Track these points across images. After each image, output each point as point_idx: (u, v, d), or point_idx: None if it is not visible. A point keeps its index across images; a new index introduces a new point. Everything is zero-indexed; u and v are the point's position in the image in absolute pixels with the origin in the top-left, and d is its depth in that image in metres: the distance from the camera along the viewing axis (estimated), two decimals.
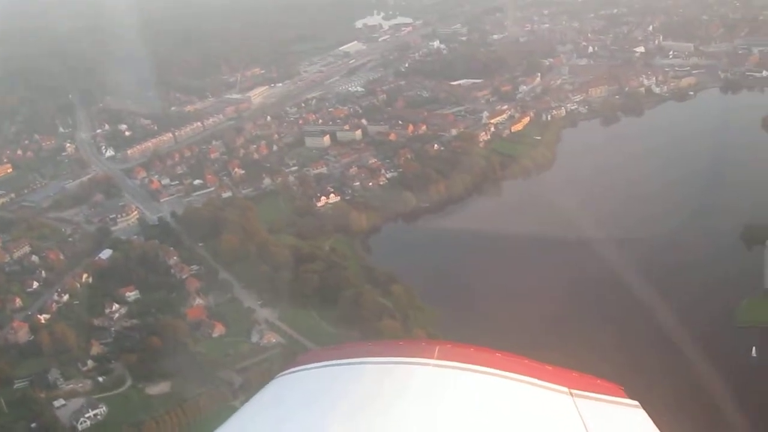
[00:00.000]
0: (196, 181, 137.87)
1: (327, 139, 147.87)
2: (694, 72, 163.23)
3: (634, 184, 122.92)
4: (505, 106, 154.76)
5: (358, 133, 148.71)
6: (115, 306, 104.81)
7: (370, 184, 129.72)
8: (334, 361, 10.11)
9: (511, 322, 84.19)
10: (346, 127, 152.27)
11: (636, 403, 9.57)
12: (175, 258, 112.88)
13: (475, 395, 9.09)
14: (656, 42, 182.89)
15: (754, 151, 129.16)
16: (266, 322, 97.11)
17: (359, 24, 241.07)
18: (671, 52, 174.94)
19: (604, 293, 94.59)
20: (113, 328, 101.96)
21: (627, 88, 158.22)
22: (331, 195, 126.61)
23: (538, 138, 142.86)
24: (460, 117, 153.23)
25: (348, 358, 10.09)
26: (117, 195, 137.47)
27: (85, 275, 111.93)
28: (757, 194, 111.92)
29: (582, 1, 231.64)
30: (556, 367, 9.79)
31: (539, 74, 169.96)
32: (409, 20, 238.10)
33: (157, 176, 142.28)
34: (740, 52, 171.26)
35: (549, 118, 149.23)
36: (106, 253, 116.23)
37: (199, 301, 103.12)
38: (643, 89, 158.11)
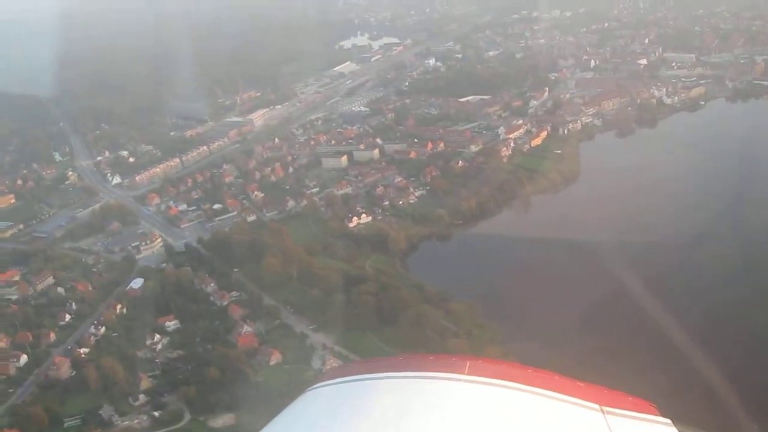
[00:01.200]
0: (216, 206, 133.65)
1: (344, 159, 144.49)
2: (701, 82, 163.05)
3: (667, 193, 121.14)
4: (520, 121, 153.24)
5: (376, 152, 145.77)
6: (157, 337, 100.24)
7: (401, 202, 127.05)
8: (364, 376, 10.08)
9: (573, 338, 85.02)
10: (362, 146, 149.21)
11: (668, 420, 9.38)
12: (212, 285, 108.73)
13: (506, 411, 9.07)
14: (657, 54, 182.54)
15: None
16: (324, 348, 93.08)
17: (347, 44, 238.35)
18: (674, 64, 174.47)
19: (659, 302, 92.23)
20: (158, 360, 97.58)
21: (639, 100, 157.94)
22: (363, 215, 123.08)
23: (559, 152, 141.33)
24: (476, 133, 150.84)
25: (378, 372, 10.05)
26: (133, 223, 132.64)
27: (119, 306, 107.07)
28: None
29: (570, 16, 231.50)
30: (587, 383, 9.72)
31: (547, 89, 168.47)
32: (395, 40, 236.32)
33: (172, 202, 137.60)
34: (742, 61, 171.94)
35: (566, 132, 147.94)
36: (137, 283, 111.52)
37: (246, 328, 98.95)
38: (654, 100, 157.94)
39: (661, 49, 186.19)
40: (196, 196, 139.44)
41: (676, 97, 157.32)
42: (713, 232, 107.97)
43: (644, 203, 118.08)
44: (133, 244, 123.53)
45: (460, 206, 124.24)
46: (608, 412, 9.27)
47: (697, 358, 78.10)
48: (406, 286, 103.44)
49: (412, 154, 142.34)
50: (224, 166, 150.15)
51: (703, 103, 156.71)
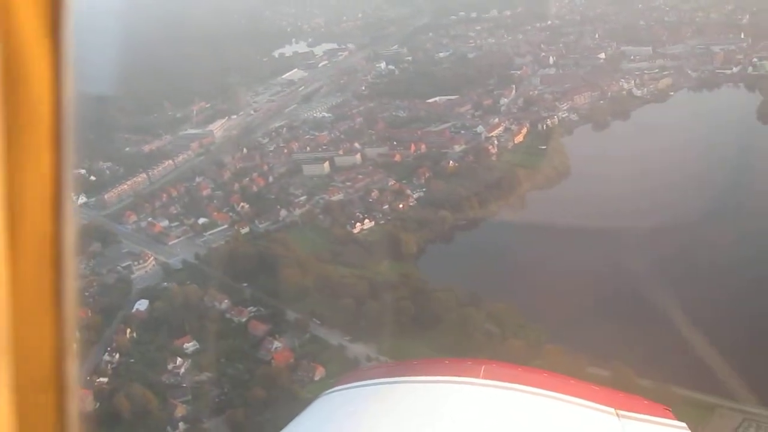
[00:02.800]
0: (201, 220, 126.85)
1: (326, 165, 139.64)
2: (664, 73, 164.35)
3: (664, 179, 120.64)
4: (496, 119, 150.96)
5: (358, 157, 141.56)
6: (179, 360, 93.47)
7: (400, 206, 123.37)
8: (380, 380, 10.12)
9: (615, 336, 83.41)
10: (341, 152, 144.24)
11: (683, 424, 9.41)
12: (226, 301, 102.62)
13: (522, 415, 9.05)
14: (612, 48, 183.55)
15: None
16: (369, 359, 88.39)
17: (287, 52, 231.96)
18: (633, 57, 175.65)
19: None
20: (185, 384, 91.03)
21: (609, 93, 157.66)
22: (365, 220, 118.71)
23: (543, 147, 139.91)
24: (454, 133, 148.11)
25: (394, 376, 10.11)
26: (115, 242, 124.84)
27: (128, 330, 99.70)
28: None
29: (510, 15, 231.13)
30: (602, 387, 10.02)
31: (513, 86, 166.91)
32: (335, 45, 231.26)
33: (151, 218, 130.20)
34: (698, 52, 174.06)
35: (544, 127, 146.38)
36: (142, 304, 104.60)
37: (277, 344, 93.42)
38: (624, 93, 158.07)
39: (615, 43, 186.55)
40: (175, 211, 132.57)
41: (645, 89, 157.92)
42: (722, 212, 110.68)
43: (645, 189, 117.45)
44: (122, 265, 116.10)
45: (462, 206, 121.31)
46: (623, 416, 9.19)
47: None
48: (437, 290, 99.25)
49: (397, 157, 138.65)
50: (197, 179, 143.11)
51: (672, 93, 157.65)
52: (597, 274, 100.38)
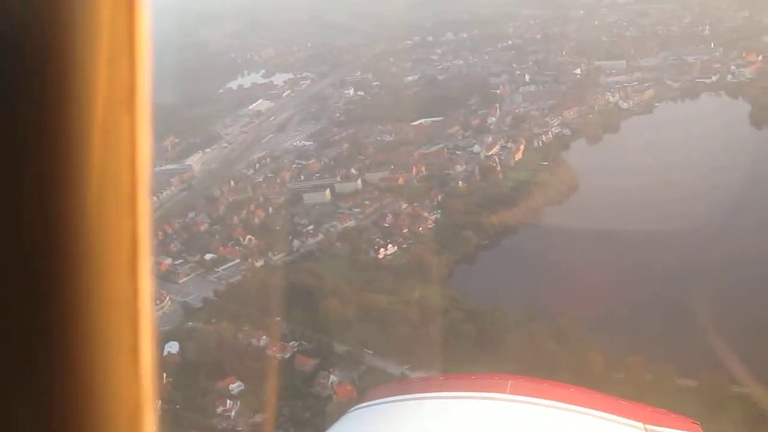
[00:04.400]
0: (208, 256, 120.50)
1: (328, 193, 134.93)
2: (645, 85, 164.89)
3: (669, 185, 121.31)
4: (489, 138, 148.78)
5: (359, 182, 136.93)
6: (228, 403, 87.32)
7: (420, 229, 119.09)
8: (406, 396, 10.14)
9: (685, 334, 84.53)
10: (338, 178, 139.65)
11: None
12: (264, 337, 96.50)
13: (549, 430, 9.13)
14: (585, 64, 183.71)
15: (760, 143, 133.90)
16: None
17: (246, 83, 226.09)
18: (610, 71, 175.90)
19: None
20: (240, 428, 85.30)
21: (596, 107, 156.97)
22: (388, 245, 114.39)
23: (546, 163, 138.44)
24: (451, 154, 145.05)
25: (420, 392, 10.33)
26: None
27: (164, 375, 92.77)
28: None
29: (467, 37, 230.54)
30: (630, 401, 10.15)
31: (497, 105, 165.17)
32: (291, 75, 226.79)
33: (151, 257, 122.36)
34: (671, 63, 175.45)
35: (540, 143, 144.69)
36: (173, 347, 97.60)
37: (333, 378, 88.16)
38: (611, 106, 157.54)
39: (585, 59, 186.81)
40: (175, 249, 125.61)
41: (631, 101, 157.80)
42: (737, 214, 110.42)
43: (660, 197, 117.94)
44: None
45: (482, 225, 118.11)
46: (651, 431, 9.08)
47: None
48: (489, 311, 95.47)
49: (401, 180, 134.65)
50: (190, 215, 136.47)
51: (657, 104, 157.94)
52: (637, 278, 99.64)
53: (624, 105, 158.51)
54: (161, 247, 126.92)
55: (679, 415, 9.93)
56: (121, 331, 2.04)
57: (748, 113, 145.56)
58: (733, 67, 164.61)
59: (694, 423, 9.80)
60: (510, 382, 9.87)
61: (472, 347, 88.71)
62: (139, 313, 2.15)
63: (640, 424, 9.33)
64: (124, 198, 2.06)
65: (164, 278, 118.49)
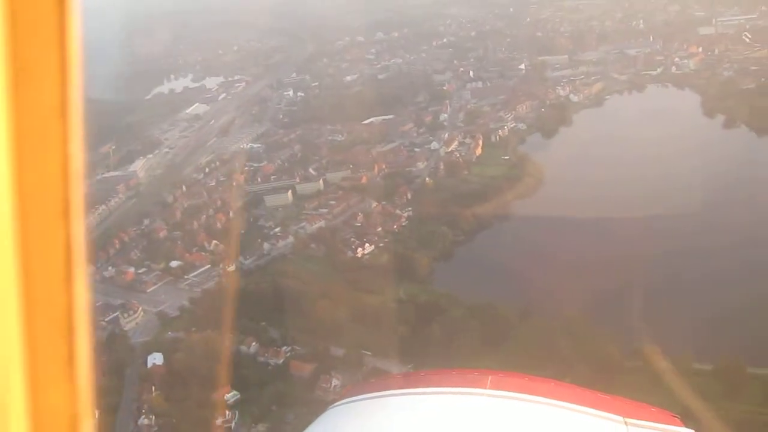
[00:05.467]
0: (174, 263, 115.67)
1: (290, 194, 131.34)
2: (592, 78, 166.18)
3: (635, 174, 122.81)
4: (445, 135, 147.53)
5: (320, 183, 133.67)
6: (227, 413, 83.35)
7: (395, 227, 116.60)
8: (387, 392, 10.36)
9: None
10: (297, 179, 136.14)
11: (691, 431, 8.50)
12: (254, 344, 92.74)
13: (530, 424, 9.18)
14: (528, 59, 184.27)
15: (713, 131, 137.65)
16: None
17: (177, 88, 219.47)
18: (555, 65, 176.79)
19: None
20: None
21: (548, 101, 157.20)
22: (365, 245, 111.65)
23: (507, 157, 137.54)
24: (410, 151, 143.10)
25: (400, 388, 10.30)
26: None
27: (152, 388, 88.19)
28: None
29: (398, 37, 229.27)
30: (610, 395, 9.83)
31: (447, 101, 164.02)
32: (221, 78, 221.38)
33: (112, 267, 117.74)
34: (613, 57, 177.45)
35: (497, 138, 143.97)
36: (157, 358, 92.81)
37: (335, 382, 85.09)
38: (562, 99, 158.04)
39: (525, 54, 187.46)
40: (137, 257, 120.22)
41: (581, 95, 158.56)
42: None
43: (629, 185, 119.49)
44: (105, 319, 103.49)
45: (456, 221, 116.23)
46: (632, 424, 9.08)
47: None
48: (485, 307, 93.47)
49: (364, 179, 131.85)
50: (145, 222, 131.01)
51: (607, 97, 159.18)
52: (626, 266, 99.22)
53: (575, 98, 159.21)
54: (121, 256, 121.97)
55: (659, 408, 9.77)
56: (55, 340, 2.08)
57: (699, 103, 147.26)
58: (676, 59, 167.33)
59: (673, 416, 9.73)
60: (490, 377, 9.70)
61: (477, 344, 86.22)
62: (74, 323, 2.19)
63: (620, 418, 9.25)
64: (57, 207, 2.06)
65: (131, 288, 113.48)
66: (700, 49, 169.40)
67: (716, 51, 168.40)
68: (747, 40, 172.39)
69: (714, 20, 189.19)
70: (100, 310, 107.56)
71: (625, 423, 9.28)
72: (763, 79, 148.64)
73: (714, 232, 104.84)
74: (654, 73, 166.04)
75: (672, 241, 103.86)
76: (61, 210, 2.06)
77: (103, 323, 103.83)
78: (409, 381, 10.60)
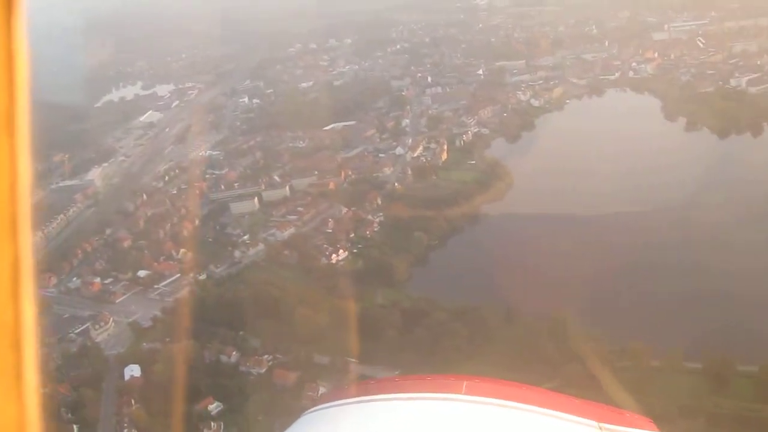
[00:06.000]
0: (141, 273, 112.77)
1: (256, 201, 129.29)
2: (551, 83, 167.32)
3: (602, 175, 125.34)
4: (409, 140, 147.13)
5: (286, 189, 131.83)
6: (213, 425, 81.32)
7: (367, 232, 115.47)
8: (362, 398, 9.90)
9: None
10: (263, 186, 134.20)
11: None
12: (234, 353, 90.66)
13: (504, 430, 9.05)
14: (485, 64, 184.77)
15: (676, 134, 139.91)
16: None
17: (128, 96, 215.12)
18: (514, 70, 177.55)
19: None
20: None
21: (510, 106, 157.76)
22: (339, 251, 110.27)
23: (473, 162, 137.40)
24: (375, 156, 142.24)
25: (376, 394, 9.92)
26: (48, 308, 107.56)
27: (132, 402, 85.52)
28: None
29: (350, 43, 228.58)
30: (584, 400, 9.87)
31: (408, 107, 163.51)
32: (171, 86, 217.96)
33: (77, 278, 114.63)
34: (569, 63, 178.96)
35: (462, 143, 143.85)
36: (135, 370, 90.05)
37: (323, 390, 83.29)
38: (524, 104, 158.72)
39: (482, 60, 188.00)
40: (102, 267, 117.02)
41: (542, 99, 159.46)
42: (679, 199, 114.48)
43: (598, 188, 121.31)
44: (75, 331, 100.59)
45: (430, 226, 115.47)
46: (605, 429, 9.08)
47: None
48: (470, 311, 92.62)
49: (331, 185, 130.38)
50: (107, 231, 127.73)
51: (568, 101, 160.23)
52: (596, 264, 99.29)
53: (536, 103, 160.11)
54: (86, 267, 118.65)
55: (634, 413, 9.73)
56: (2, 356, 2.05)
57: (659, 107, 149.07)
58: (634, 64, 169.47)
59: (648, 421, 9.71)
60: (465, 382, 9.62)
61: (464, 346, 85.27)
62: (21, 338, 2.14)
63: (595, 423, 9.18)
64: (4, 222, 2.03)
65: (99, 299, 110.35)
66: (656, 54, 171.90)
67: (672, 56, 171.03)
68: (701, 44, 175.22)
69: (666, 26, 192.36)
70: (68, 322, 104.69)
71: (600, 428, 9.22)
72: (720, 83, 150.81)
73: (681, 229, 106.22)
74: (612, 77, 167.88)
75: (638, 237, 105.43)
76: (9, 225, 2.01)
77: (73, 335, 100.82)
78: (384, 387, 10.36)
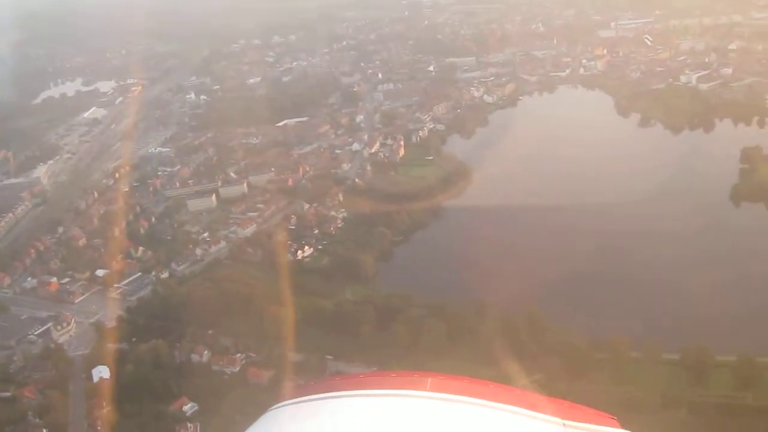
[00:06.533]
0: (99, 272, 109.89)
1: (214, 198, 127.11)
2: (503, 80, 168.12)
3: (558, 168, 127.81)
4: (365, 136, 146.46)
5: (244, 186, 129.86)
6: (189, 426, 79.61)
7: (331, 228, 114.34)
8: (326, 394, 10.12)
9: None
10: (219, 183, 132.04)
11: None
12: (206, 352, 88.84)
13: (468, 427, 9.23)
14: (436, 61, 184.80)
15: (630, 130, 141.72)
16: None
17: (69, 92, 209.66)
18: (464, 67, 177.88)
19: None
20: None
21: (463, 102, 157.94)
22: (305, 247, 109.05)
23: (431, 158, 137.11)
24: (331, 153, 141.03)
25: (340, 390, 10.12)
26: (4, 310, 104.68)
27: (102, 404, 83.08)
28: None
29: (297, 39, 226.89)
30: (549, 397, 9.97)
31: (361, 103, 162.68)
32: (112, 82, 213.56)
33: (31, 278, 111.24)
34: (519, 59, 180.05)
35: (418, 139, 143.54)
36: (103, 371, 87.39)
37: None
38: (477, 100, 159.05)
39: (431, 56, 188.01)
40: (57, 267, 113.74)
41: (495, 96, 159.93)
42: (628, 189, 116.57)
43: (556, 178, 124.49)
44: (35, 332, 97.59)
45: (393, 221, 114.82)
46: (570, 426, 9.22)
47: None
48: (441, 305, 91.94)
49: (290, 182, 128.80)
50: (59, 229, 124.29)
51: (521, 98, 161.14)
52: (559, 253, 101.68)
53: (489, 99, 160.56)
54: (40, 266, 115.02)
55: (598, 410, 9.64)
56: None
57: (612, 103, 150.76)
58: (584, 61, 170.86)
59: (612, 418, 9.63)
60: (430, 379, 9.59)
61: (440, 341, 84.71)
62: None
63: (559, 420, 9.21)
64: None
65: (57, 299, 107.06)
66: (605, 52, 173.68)
67: (621, 53, 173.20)
68: (648, 42, 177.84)
69: (612, 24, 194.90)
70: (27, 324, 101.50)
71: (564, 425, 9.20)
72: (671, 80, 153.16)
73: (640, 221, 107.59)
74: (563, 74, 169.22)
75: (591, 227, 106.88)
76: None
77: (33, 337, 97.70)
78: (348, 383, 10.19)
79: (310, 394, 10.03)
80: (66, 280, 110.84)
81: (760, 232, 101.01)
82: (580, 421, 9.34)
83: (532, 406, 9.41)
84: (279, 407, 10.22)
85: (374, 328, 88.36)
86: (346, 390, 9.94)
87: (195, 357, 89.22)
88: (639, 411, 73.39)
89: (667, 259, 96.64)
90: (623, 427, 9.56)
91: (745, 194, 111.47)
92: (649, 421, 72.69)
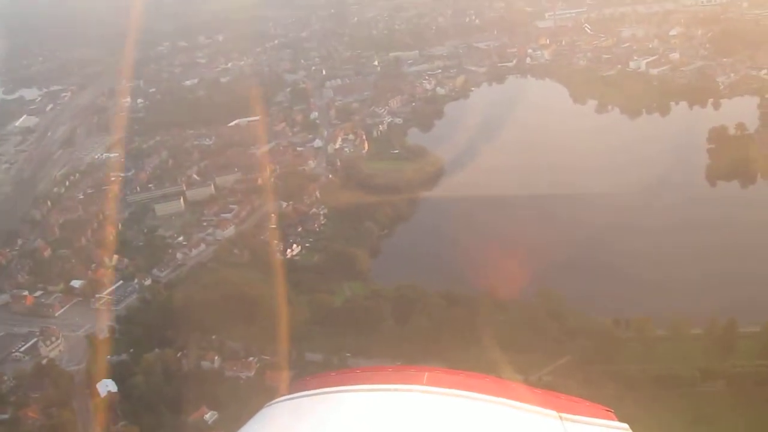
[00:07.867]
0: (75, 283, 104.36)
1: (182, 201, 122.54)
2: (452, 71, 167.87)
3: (529, 156, 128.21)
4: (325, 133, 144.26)
5: (211, 188, 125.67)
6: None
7: (315, 226, 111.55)
8: (323, 389, 10.10)
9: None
10: (183, 186, 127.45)
11: (626, 426, 9.64)
12: (217, 358, 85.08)
13: (465, 421, 9.34)
14: (382, 55, 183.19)
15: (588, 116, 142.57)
16: None
17: None
18: (409, 61, 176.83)
19: None
20: None
21: (417, 95, 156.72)
22: (293, 246, 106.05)
23: (397, 151, 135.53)
24: (294, 151, 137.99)
25: (337, 385, 10.14)
26: None
27: (116, 419, 78.69)
28: None
29: (223, 40, 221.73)
30: (545, 390, 10.12)
31: (311, 100, 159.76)
32: (36, 90, 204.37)
33: (1, 293, 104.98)
34: (462, 51, 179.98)
35: (379, 133, 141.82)
36: (110, 385, 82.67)
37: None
38: (430, 93, 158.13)
39: (375, 51, 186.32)
40: (25, 280, 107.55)
41: (447, 88, 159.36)
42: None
43: (529, 165, 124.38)
44: (20, 349, 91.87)
45: (376, 216, 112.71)
46: (566, 419, 9.33)
47: None
48: (457, 295, 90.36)
49: (260, 181, 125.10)
50: (18, 241, 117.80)
51: (473, 89, 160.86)
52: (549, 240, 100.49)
53: (441, 91, 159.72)
54: (8, 280, 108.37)
55: (594, 403, 9.57)
56: None
57: (565, 91, 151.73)
58: (530, 51, 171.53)
59: (608, 410, 9.54)
60: (427, 373, 9.50)
61: (469, 331, 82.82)
62: None
63: (555, 413, 9.19)
64: None
65: (35, 313, 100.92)
66: (548, 41, 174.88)
67: (563, 42, 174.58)
68: (589, 31, 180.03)
69: (547, 14, 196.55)
70: (8, 340, 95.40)
71: (560, 418, 9.14)
72: (620, 66, 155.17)
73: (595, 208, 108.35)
74: (510, 64, 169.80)
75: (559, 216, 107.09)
76: None
77: (18, 354, 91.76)
78: (345, 378, 9.95)
79: (307, 390, 9.77)
80: (38, 293, 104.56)
81: (754, 206, 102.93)
82: (576, 414, 9.26)
83: (529, 399, 9.31)
84: (276, 403, 10.05)
85: (393, 323, 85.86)
86: (342, 385, 9.71)
87: (206, 364, 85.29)
88: (679, 386, 73.57)
89: (673, 245, 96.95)
90: (620, 419, 9.39)
91: (721, 174, 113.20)
92: (689, 394, 73.13)
